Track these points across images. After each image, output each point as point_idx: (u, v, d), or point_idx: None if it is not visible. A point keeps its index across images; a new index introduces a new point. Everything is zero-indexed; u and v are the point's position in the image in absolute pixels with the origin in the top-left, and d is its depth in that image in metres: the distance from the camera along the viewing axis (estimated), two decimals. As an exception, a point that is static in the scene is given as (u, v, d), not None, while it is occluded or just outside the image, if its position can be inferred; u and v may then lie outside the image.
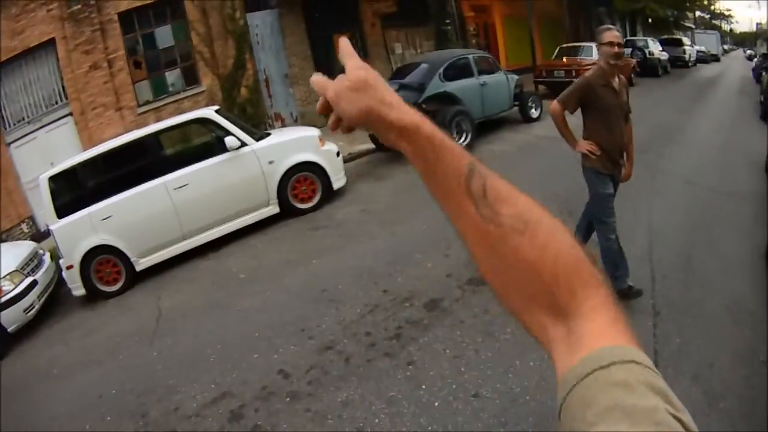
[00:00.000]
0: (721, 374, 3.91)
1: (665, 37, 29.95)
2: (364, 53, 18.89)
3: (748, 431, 3.45)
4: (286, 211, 9.27)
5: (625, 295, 4.81)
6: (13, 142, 14.73)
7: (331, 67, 18.27)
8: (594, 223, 5.19)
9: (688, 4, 38.25)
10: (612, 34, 4.64)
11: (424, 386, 4.38)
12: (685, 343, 4.28)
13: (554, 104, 4.80)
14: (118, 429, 4.97)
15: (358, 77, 0.87)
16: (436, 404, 4.15)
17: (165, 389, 5.36)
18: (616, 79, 4.78)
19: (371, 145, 12.76)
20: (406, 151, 0.87)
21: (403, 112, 0.86)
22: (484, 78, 12.34)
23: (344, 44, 0.96)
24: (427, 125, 0.85)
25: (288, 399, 4.66)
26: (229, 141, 8.68)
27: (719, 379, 3.87)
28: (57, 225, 8.41)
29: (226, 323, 6.39)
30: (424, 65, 11.97)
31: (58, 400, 5.93)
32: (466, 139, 11.30)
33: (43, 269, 8.73)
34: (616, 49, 4.61)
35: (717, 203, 6.97)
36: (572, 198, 7.57)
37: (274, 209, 9.20)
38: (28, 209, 14.88)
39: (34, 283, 8.20)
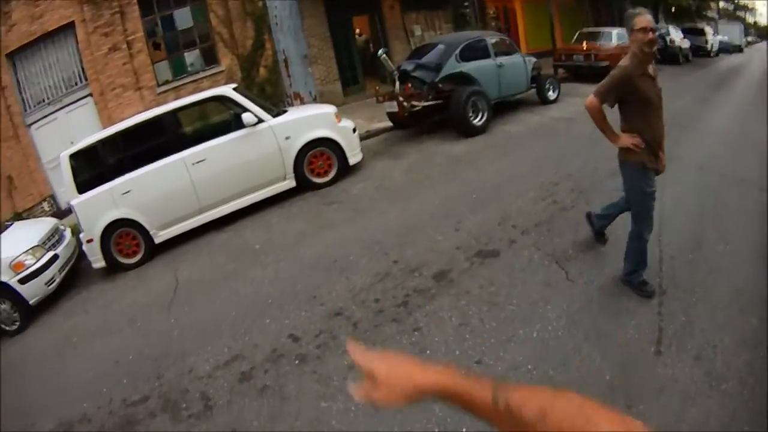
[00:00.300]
0: (723, 356, 3.92)
1: (687, 26, 29.56)
2: (383, 35, 18.97)
3: (748, 415, 3.44)
4: (303, 186, 9.41)
5: (638, 287, 4.77)
6: (33, 123, 15.16)
7: (350, 49, 18.43)
8: (632, 219, 4.79)
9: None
10: (644, 19, 4.26)
11: (428, 351, 4.50)
12: (690, 323, 4.30)
13: (591, 98, 4.46)
14: (134, 391, 5.15)
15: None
16: (440, 369, 4.26)
17: (180, 353, 5.54)
18: (651, 67, 4.45)
19: (389, 124, 12.91)
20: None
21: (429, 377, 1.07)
22: (501, 59, 12.33)
23: (355, 352, 1.15)
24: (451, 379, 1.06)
25: (297, 362, 4.81)
26: (246, 117, 8.82)
27: (722, 361, 3.88)
28: (78, 200, 8.60)
29: (240, 292, 6.54)
30: (440, 46, 11.99)
31: (76, 366, 6.13)
32: (482, 118, 11.33)
33: (64, 244, 8.95)
34: (650, 35, 4.25)
35: (729, 190, 6.93)
36: (584, 178, 7.70)
37: (290, 183, 9.35)
38: (48, 188, 15.33)
39: (55, 257, 8.41)
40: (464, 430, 3.59)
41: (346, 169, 9.75)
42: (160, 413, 4.73)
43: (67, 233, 9.46)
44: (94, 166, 8.86)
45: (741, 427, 3.32)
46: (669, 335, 4.20)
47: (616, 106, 4.51)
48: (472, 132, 11.18)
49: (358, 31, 20.53)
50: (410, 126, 12.80)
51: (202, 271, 7.68)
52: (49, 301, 8.26)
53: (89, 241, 8.55)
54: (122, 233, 8.67)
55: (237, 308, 6.13)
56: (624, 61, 4.41)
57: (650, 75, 4.40)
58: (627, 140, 4.46)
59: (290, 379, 4.62)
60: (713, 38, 31.31)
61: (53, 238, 8.88)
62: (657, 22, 30.17)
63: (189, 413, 4.60)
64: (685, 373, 3.78)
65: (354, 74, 18.72)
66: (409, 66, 11.98)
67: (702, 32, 29.95)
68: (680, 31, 25.67)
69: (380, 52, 12.01)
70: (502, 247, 6.02)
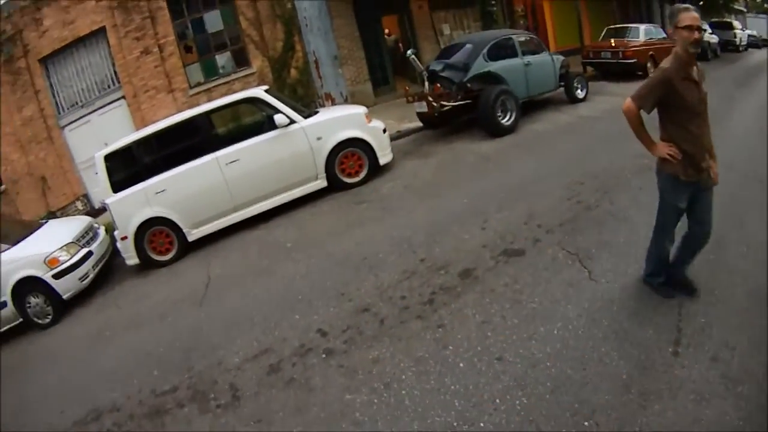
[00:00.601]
0: (740, 359, 3.94)
1: (715, 20, 29.07)
2: (412, 35, 19.08)
3: (764, 417, 3.47)
4: (334, 185, 9.59)
5: (658, 288, 4.80)
6: (67, 125, 15.67)
7: (380, 49, 18.58)
8: (655, 227, 4.70)
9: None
10: (691, 15, 3.92)
11: (450, 347, 4.66)
12: (708, 324, 4.32)
13: (628, 102, 4.17)
14: (164, 381, 5.40)
15: None
16: (461, 365, 4.41)
17: (210, 346, 5.79)
18: (695, 69, 4.11)
19: (418, 124, 13.06)
20: None
21: None
22: (529, 58, 12.38)
23: None
24: None
25: (324, 355, 5.02)
26: (278, 118, 9.04)
27: (738, 364, 3.90)
28: (113, 199, 8.90)
29: (271, 288, 6.76)
30: (468, 45, 12.07)
31: (108, 357, 6.39)
32: (510, 117, 11.41)
33: (98, 241, 9.29)
34: (696, 34, 3.93)
35: (752, 191, 6.83)
36: (609, 179, 7.75)
37: (322, 183, 9.53)
38: (82, 188, 15.86)
39: (89, 254, 8.74)
40: (482, 424, 3.76)
41: (376, 169, 9.90)
42: (188, 403, 4.96)
43: (101, 231, 9.78)
44: (129, 166, 9.13)
45: (756, 429, 3.37)
46: (687, 336, 4.26)
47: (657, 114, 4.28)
48: (501, 131, 11.26)
49: (387, 31, 20.62)
50: (440, 126, 12.93)
51: (234, 267, 7.91)
52: (83, 296, 8.57)
53: (123, 238, 8.86)
54: (156, 231, 8.96)
55: (267, 304, 6.36)
56: (665, 63, 4.13)
57: (693, 79, 4.07)
58: (663, 150, 4.20)
59: (317, 372, 4.82)
60: (742, 32, 30.65)
61: (87, 236, 9.21)
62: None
63: (217, 404, 4.82)
64: (701, 374, 3.84)
65: (384, 74, 18.82)
66: (437, 66, 12.09)
67: (730, 26, 29.31)
68: (708, 26, 25.06)
69: (409, 52, 12.15)
70: (527, 246, 6.14)
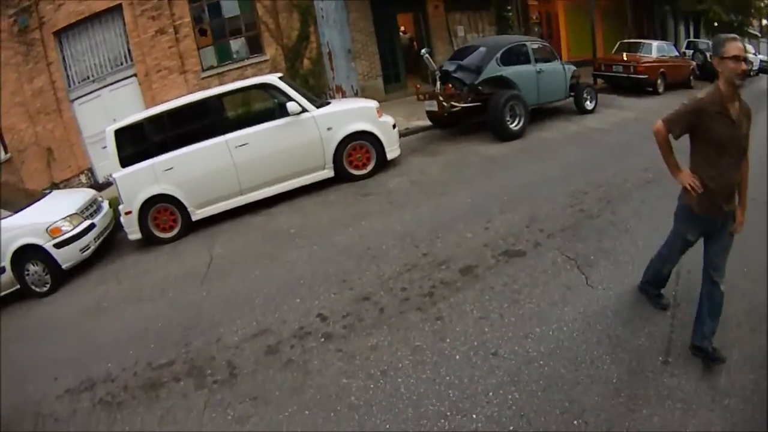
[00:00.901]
0: (729, 373, 4.05)
1: (728, 43, 28.99)
2: (426, 34, 19.17)
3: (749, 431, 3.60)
4: (340, 176, 9.68)
5: (653, 299, 4.90)
6: (76, 99, 15.69)
7: (394, 46, 18.68)
8: (664, 243, 4.69)
9: (753, 11, 36.72)
10: (737, 46, 3.69)
11: (448, 340, 4.78)
12: None
13: (659, 124, 4.03)
14: (161, 355, 5.50)
15: None
16: (457, 357, 4.53)
17: (209, 324, 5.89)
18: (736, 105, 3.86)
19: (427, 122, 13.15)
20: None
21: None
22: (541, 66, 12.46)
23: None
24: None
25: (322, 339, 5.13)
26: (291, 106, 9.10)
27: (727, 378, 4.02)
28: (120, 173, 8.95)
29: (273, 272, 6.84)
30: (482, 48, 12.15)
31: (105, 329, 6.47)
32: (519, 123, 11.49)
33: (101, 215, 9.36)
34: (743, 66, 3.70)
35: (755, 213, 6.88)
36: (612, 189, 7.84)
37: (328, 173, 9.62)
38: (87, 162, 15.90)
39: (91, 226, 8.81)
40: (474, 415, 3.88)
41: (383, 163, 9.98)
42: (184, 378, 5.05)
43: (105, 205, 9.84)
44: (139, 142, 9.17)
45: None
46: (678, 347, 4.38)
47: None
48: (509, 136, 11.34)
49: (402, 28, 20.73)
50: (448, 126, 13.01)
51: (237, 249, 7.99)
52: (83, 268, 8.65)
53: (128, 213, 8.92)
54: (161, 208, 9.03)
55: (268, 286, 6.44)
56: (703, 92, 3.93)
57: (730, 117, 3.83)
58: (685, 179, 4.05)
59: (315, 355, 4.93)
60: (754, 57, 30.64)
61: (91, 208, 9.26)
62: (698, 36, 29.99)
63: (213, 379, 4.92)
64: (689, 385, 3.97)
65: (396, 71, 18.92)
66: (450, 66, 12.16)
67: (743, 50, 29.24)
68: None
69: (423, 51, 12.24)
70: (528, 248, 6.25)
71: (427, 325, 5.04)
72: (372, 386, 4.38)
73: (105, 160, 14.38)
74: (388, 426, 3.96)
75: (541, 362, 4.34)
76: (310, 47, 16.37)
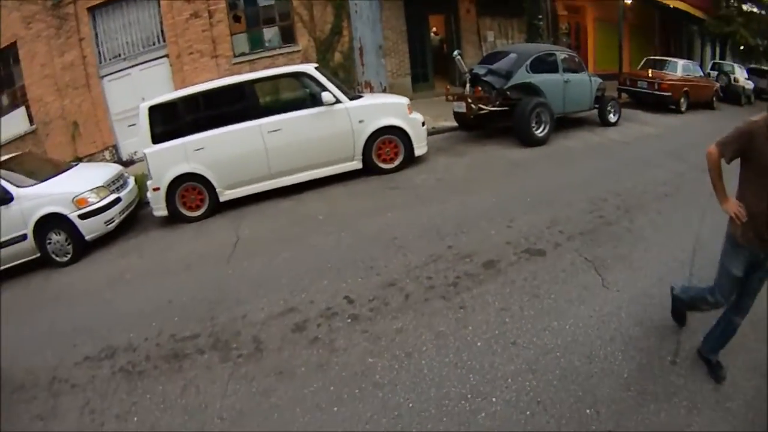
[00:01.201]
0: (733, 379, 4.22)
1: (753, 66, 29.02)
2: (457, 37, 19.36)
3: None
4: (368, 169, 9.90)
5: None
6: (106, 75, 15.95)
7: (424, 46, 18.90)
8: (713, 287, 4.25)
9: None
10: None
11: (470, 327, 5.01)
12: None
13: (712, 147, 3.85)
14: (184, 328, 5.68)
15: None
16: (478, 344, 4.76)
17: (235, 301, 6.08)
18: None
19: (453, 123, 13.41)
20: None
21: None
22: (568, 76, 12.64)
23: None
24: None
25: (349, 320, 5.36)
26: (326, 96, 9.31)
27: (731, 382, 4.19)
28: (151, 150, 9.17)
29: (300, 255, 7.05)
30: (512, 54, 12.35)
31: (126, 300, 6.66)
32: (544, 130, 11.68)
33: (127, 190, 9.57)
34: None
35: None
36: (631, 198, 8.02)
37: (357, 164, 9.85)
38: (112, 138, 16.15)
39: (117, 200, 9.00)
40: (494, 399, 4.11)
41: (411, 159, 10.19)
42: (209, 351, 5.23)
43: (131, 181, 10.04)
44: (172, 120, 9.40)
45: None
46: (686, 349, 4.57)
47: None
48: (533, 142, 11.54)
49: (434, 29, 20.93)
50: (474, 128, 13.23)
51: (264, 231, 8.21)
52: (105, 240, 8.83)
53: (156, 189, 9.15)
54: (189, 187, 9.26)
55: (296, 268, 6.64)
56: (758, 116, 3.78)
57: None
58: (730, 208, 3.88)
59: (341, 335, 5.14)
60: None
61: (117, 183, 9.45)
62: (724, 58, 29.87)
63: (238, 354, 5.10)
64: (695, 385, 4.17)
65: (425, 71, 19.13)
66: (481, 70, 12.33)
67: (766, 74, 29.28)
68: (745, 71, 24.96)
69: (456, 53, 12.50)
70: (548, 248, 6.47)
71: (451, 312, 5.27)
72: (396, 366, 4.59)
73: (130, 138, 14.76)
74: (411, 405, 4.14)
75: (558, 354, 4.54)
76: (342, 41, 16.63)
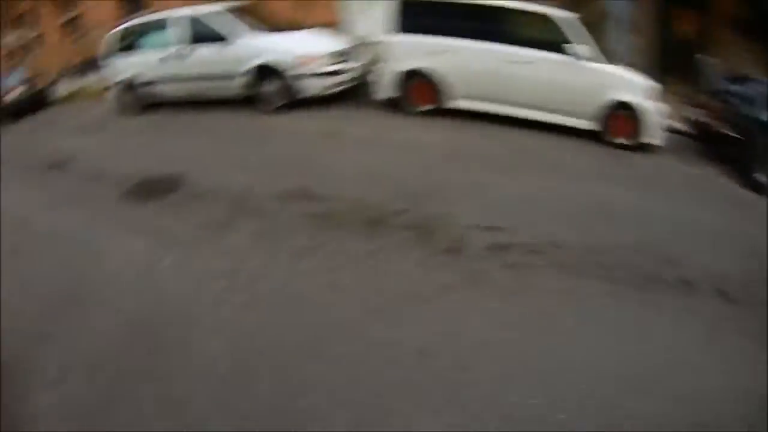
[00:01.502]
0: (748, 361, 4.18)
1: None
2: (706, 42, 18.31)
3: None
4: (596, 136, 9.59)
5: None
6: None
7: (669, 42, 18.02)
8: None
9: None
10: None
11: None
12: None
13: None
14: (393, 202, 6.18)
15: None
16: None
17: (444, 201, 6.41)
18: None
19: (680, 127, 12.46)
20: None
21: None
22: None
23: None
24: None
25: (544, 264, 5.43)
26: (581, 49, 9.24)
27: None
28: (397, 37, 9.62)
29: (524, 186, 7.25)
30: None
31: (336, 156, 7.47)
32: (768, 177, 10.43)
33: (353, 65, 10.15)
34: None
35: None
36: None
37: (588, 125, 9.55)
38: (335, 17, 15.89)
39: (340, 71, 9.66)
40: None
41: (640, 145, 9.57)
42: (410, 230, 5.68)
43: (360, 58, 10.51)
44: (423, 17, 9.74)
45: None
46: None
47: None
48: (752, 186, 9.74)
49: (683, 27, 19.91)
50: (697, 140, 12.40)
51: (485, 149, 8.57)
52: (314, 104, 9.48)
53: (389, 74, 9.61)
54: (420, 83, 9.66)
55: (515, 194, 6.92)
56: None
57: None
58: None
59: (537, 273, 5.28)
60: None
61: (345, 56, 9.99)
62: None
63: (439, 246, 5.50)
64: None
65: (666, 65, 18.31)
66: (727, 86, 11.68)
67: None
68: None
69: (707, 59, 11.88)
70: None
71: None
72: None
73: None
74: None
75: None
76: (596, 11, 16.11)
